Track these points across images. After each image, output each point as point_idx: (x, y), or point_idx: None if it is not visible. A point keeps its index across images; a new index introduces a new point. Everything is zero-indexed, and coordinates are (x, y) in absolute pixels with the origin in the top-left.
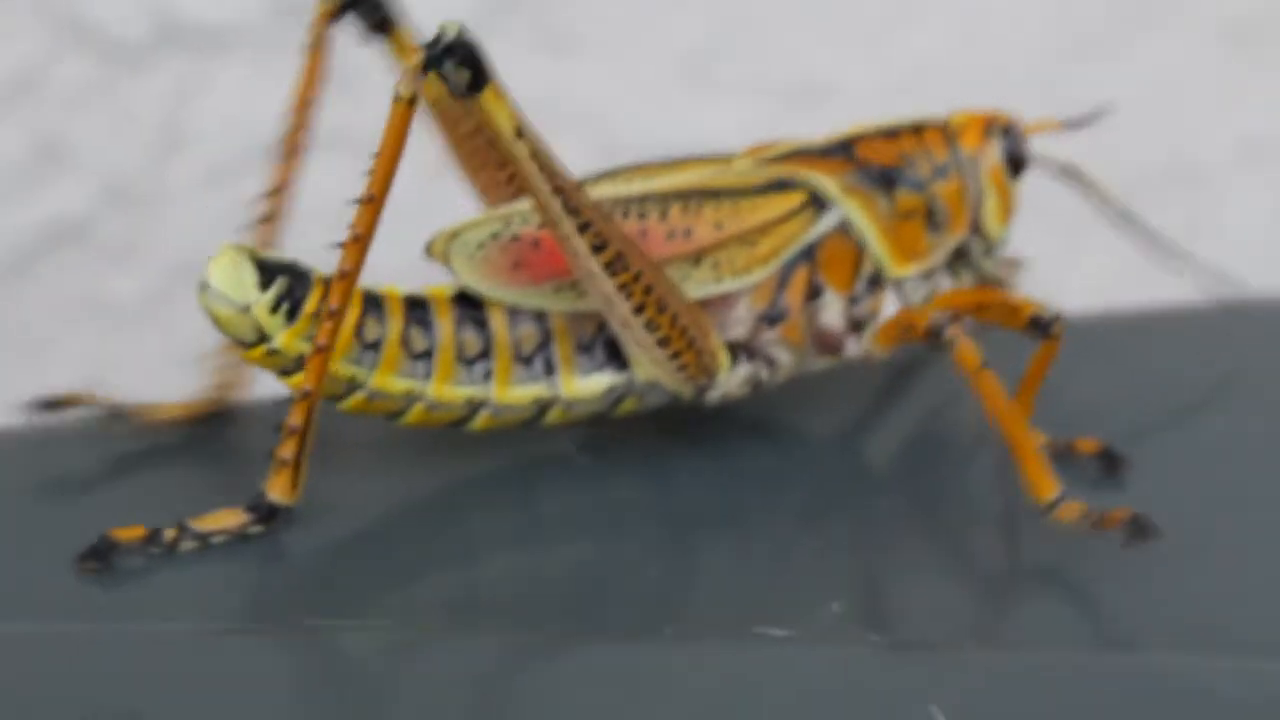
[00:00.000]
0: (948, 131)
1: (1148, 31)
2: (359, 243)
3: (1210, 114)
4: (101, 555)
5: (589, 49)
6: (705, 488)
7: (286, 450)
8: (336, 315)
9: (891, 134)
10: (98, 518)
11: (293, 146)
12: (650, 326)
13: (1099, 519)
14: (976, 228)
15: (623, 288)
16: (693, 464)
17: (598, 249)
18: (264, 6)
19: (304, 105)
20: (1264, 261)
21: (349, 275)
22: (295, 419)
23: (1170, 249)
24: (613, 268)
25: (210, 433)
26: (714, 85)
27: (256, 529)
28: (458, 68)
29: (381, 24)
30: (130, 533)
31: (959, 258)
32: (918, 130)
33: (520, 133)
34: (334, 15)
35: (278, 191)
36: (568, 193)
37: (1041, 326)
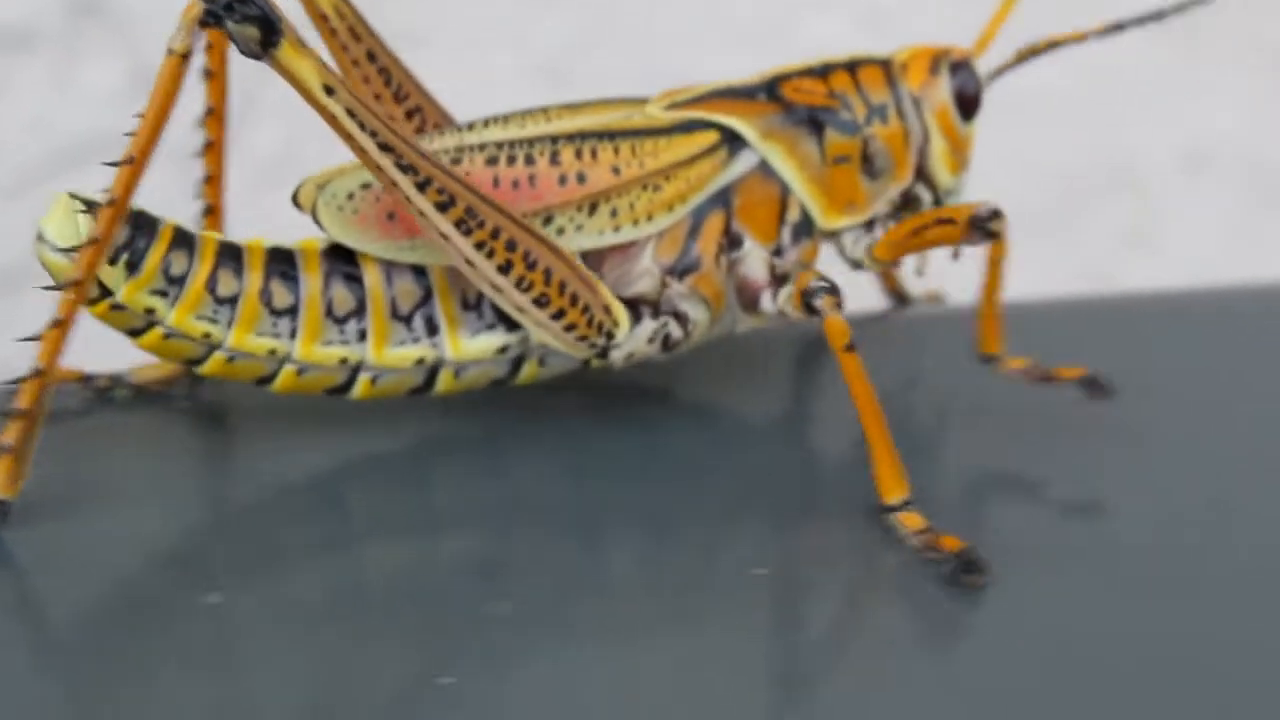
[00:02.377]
0: (889, 69)
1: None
2: (115, 206)
3: (1153, 110)
4: None
5: (438, 43)
6: (617, 476)
7: (8, 436)
8: (79, 286)
9: (823, 72)
10: None
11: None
12: (521, 285)
13: (933, 540)
14: (923, 175)
15: (480, 245)
16: (608, 448)
17: (444, 207)
18: (61, 7)
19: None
20: None
21: (100, 243)
22: (23, 401)
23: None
24: (464, 225)
25: None
26: (573, 84)
27: None
28: (243, 24)
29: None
30: None
31: (907, 206)
32: (853, 68)
33: (330, 89)
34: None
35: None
36: (398, 149)
37: (981, 225)
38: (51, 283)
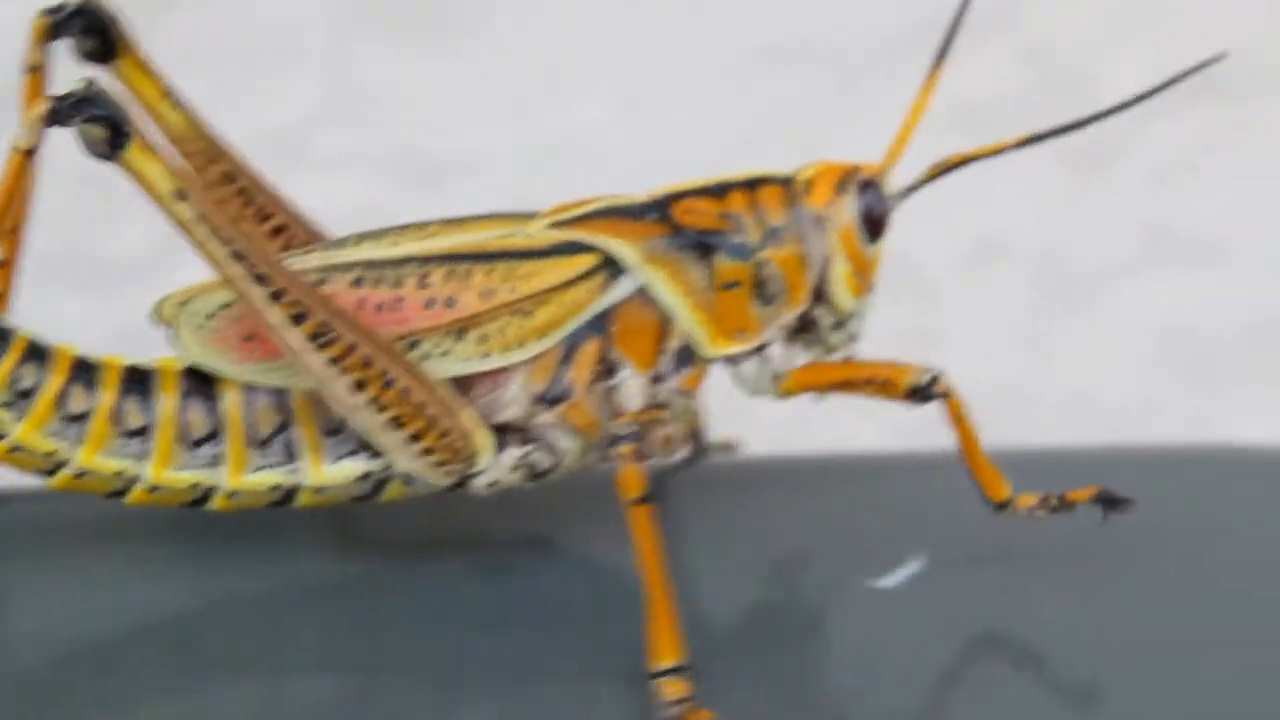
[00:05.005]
0: (791, 188)
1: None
2: None
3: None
4: None
5: None
6: (477, 623)
7: None
8: None
9: (719, 192)
10: None
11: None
12: (376, 405)
13: (687, 714)
14: (823, 297)
15: (334, 361)
16: (471, 594)
17: (298, 319)
18: None
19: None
20: None
21: None
22: None
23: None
24: (318, 339)
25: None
26: (312, 161)
27: None
28: (90, 123)
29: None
30: None
31: (805, 329)
32: (752, 186)
33: (181, 194)
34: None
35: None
36: (251, 257)
37: (921, 393)
38: None
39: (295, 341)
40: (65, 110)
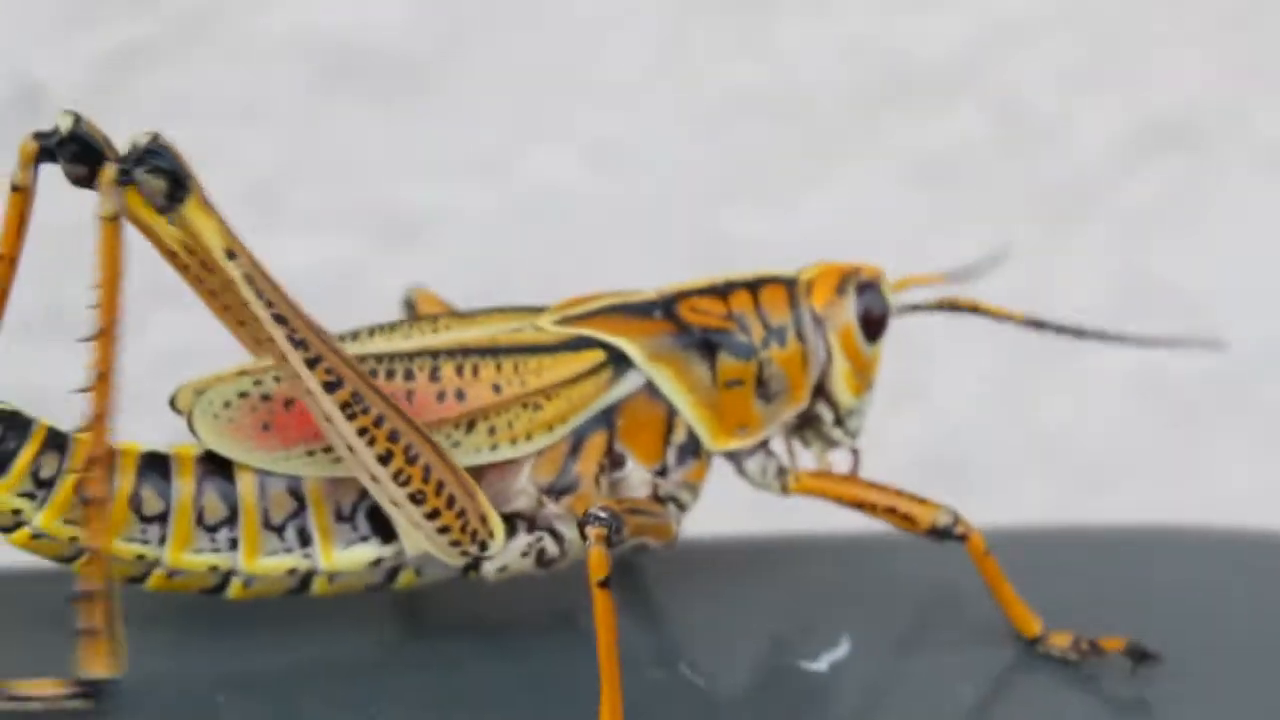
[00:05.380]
0: (793, 289)
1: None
2: (104, 380)
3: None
4: None
5: None
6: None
7: (91, 618)
8: (100, 461)
9: (724, 291)
10: None
11: None
12: (399, 478)
13: None
14: (824, 394)
15: (363, 432)
16: (491, 679)
17: (331, 386)
18: None
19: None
20: None
21: (102, 417)
22: (88, 583)
23: (1097, 333)
24: (350, 409)
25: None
26: (287, 217)
27: (78, 704)
28: (152, 174)
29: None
30: None
31: (808, 425)
32: (755, 287)
33: (232, 254)
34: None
35: None
36: (292, 322)
37: (942, 533)
38: None
39: (327, 407)
40: (129, 165)
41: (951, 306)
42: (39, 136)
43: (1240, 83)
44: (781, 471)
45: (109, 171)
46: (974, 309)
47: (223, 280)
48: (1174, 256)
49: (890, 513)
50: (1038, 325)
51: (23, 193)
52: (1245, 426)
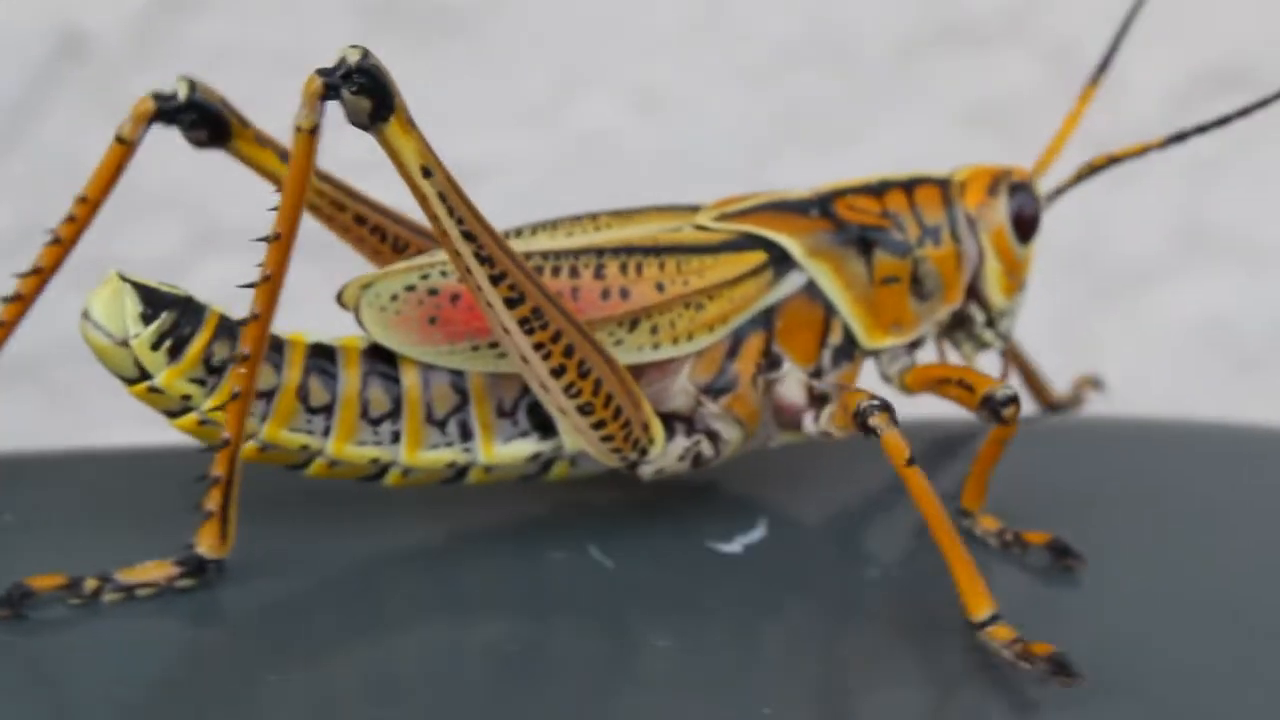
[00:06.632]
0: (947, 189)
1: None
2: (269, 283)
3: None
4: (13, 603)
5: None
6: (643, 571)
7: (211, 501)
8: (250, 360)
9: (879, 190)
10: (13, 564)
11: None
12: (570, 391)
13: (1024, 650)
14: (976, 295)
15: (539, 347)
16: (633, 543)
17: (512, 303)
18: None
19: None
20: None
21: (261, 318)
22: (218, 468)
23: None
24: (528, 324)
25: (140, 481)
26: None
27: (185, 583)
28: (357, 95)
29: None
30: (48, 581)
31: (960, 326)
32: (910, 186)
33: (428, 171)
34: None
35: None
36: (480, 239)
37: (993, 407)
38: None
39: (507, 322)
40: (337, 80)
41: (1089, 171)
42: (157, 98)
43: None
44: (903, 371)
45: (314, 84)
46: (1109, 160)
47: (415, 196)
48: (1233, 205)
49: (960, 386)
50: (1180, 138)
51: (127, 146)
52: None
